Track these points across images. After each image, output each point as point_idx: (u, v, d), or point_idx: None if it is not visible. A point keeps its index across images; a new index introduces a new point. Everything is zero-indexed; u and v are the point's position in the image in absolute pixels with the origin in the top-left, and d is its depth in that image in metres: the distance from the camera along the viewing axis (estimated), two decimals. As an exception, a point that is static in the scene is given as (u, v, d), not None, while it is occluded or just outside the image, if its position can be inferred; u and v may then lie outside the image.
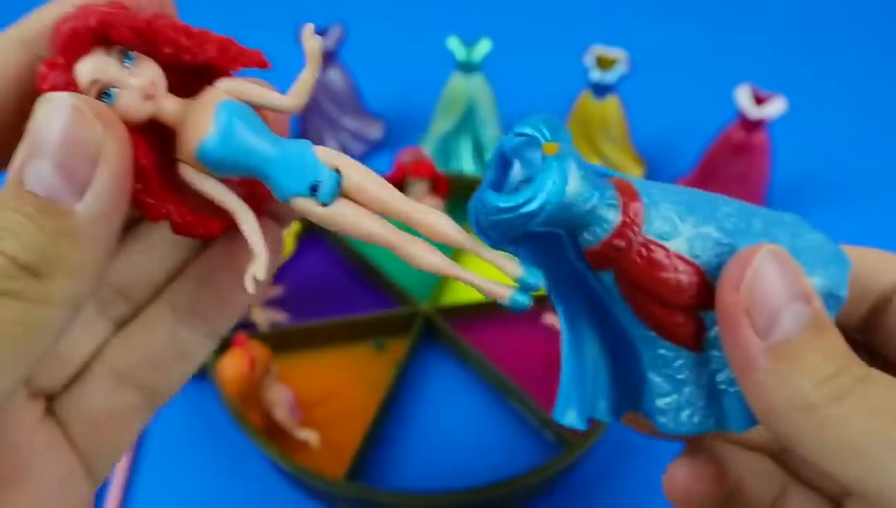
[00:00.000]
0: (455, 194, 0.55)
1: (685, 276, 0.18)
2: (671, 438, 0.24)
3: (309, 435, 0.45)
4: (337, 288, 0.55)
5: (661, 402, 0.20)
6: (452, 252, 0.42)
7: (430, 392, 0.50)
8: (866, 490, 0.16)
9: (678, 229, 0.18)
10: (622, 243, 0.18)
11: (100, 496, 0.44)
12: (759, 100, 0.55)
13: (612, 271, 0.18)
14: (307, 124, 0.64)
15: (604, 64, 0.58)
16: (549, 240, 0.19)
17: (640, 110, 0.64)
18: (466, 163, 0.63)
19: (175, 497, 0.44)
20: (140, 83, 0.17)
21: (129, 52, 0.17)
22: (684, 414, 0.20)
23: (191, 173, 0.18)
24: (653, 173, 0.64)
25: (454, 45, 0.59)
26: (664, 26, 0.81)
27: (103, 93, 0.16)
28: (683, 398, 0.20)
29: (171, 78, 0.18)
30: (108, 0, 0.17)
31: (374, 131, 0.66)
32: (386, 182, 0.18)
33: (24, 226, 0.15)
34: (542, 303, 0.46)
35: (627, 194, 0.18)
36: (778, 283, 0.17)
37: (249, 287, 0.17)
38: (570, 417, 0.20)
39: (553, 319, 0.50)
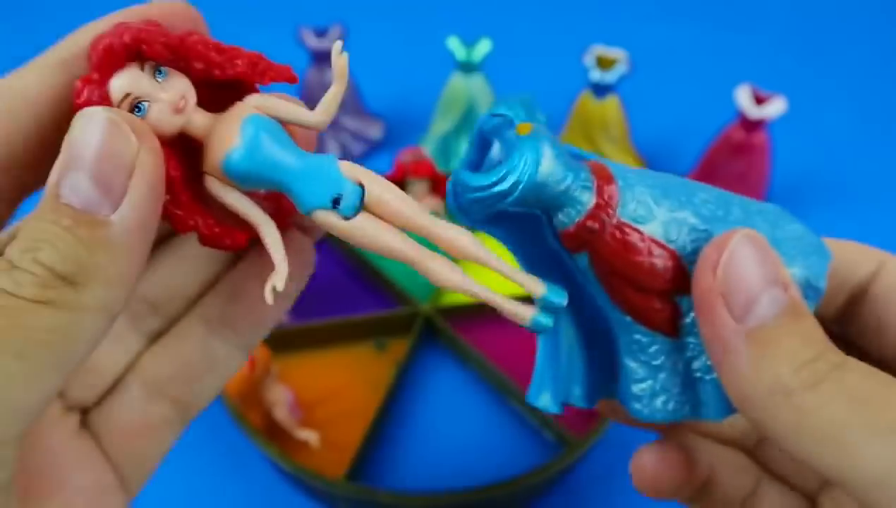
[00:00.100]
0: (455, 194, 0.55)
1: (660, 260, 0.18)
2: (646, 426, 0.24)
3: (309, 436, 0.45)
4: (338, 288, 0.55)
5: (636, 388, 0.20)
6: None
7: (430, 392, 0.50)
8: (842, 477, 0.15)
9: (653, 213, 0.18)
10: (596, 225, 0.18)
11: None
12: (759, 100, 0.55)
13: (587, 254, 0.18)
14: (307, 124, 0.64)
15: (604, 64, 0.58)
16: (528, 222, 0.19)
17: (640, 110, 0.64)
18: (466, 163, 0.63)
19: (175, 496, 0.44)
20: (170, 97, 0.17)
21: (161, 67, 0.17)
22: (659, 401, 0.20)
23: (217, 186, 0.18)
24: (653, 173, 0.64)
25: (454, 45, 0.59)
26: (664, 26, 0.81)
27: (135, 107, 0.17)
28: (658, 384, 0.20)
29: (203, 93, 0.18)
30: (143, 19, 0.17)
31: (374, 131, 0.66)
32: (408, 196, 0.18)
33: (62, 236, 0.15)
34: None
35: (602, 177, 0.18)
36: (754, 267, 0.17)
37: (269, 298, 0.18)
38: (544, 400, 0.20)
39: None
